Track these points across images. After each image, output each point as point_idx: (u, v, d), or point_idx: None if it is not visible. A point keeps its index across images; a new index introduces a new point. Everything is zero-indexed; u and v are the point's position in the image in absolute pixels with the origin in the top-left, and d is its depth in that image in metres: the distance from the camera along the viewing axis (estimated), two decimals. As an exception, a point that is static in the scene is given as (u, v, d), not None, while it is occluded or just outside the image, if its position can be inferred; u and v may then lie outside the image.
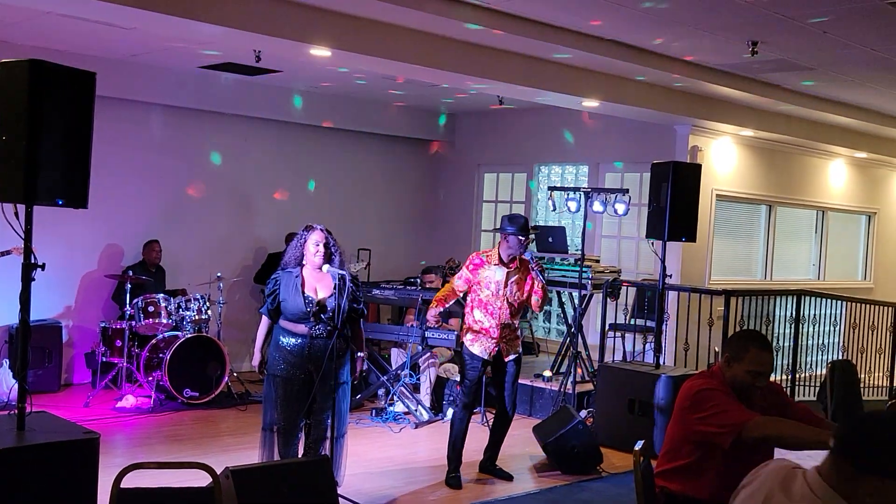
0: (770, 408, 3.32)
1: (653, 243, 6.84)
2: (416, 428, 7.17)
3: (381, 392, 7.78)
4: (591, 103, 7.71)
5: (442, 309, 5.78)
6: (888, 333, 8.94)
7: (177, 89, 8.58)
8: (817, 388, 7.45)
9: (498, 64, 6.75)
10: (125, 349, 7.50)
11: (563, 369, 7.78)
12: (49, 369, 7.74)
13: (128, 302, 7.56)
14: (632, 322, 8.12)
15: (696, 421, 3.23)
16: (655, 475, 3.37)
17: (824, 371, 6.58)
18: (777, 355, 8.33)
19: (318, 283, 4.92)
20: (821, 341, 8.94)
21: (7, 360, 7.35)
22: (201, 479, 3.33)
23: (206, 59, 7.78)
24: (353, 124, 10.06)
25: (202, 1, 5.17)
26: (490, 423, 6.19)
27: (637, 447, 3.17)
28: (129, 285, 7.64)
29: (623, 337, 8.15)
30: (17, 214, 3.76)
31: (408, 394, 7.54)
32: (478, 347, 5.67)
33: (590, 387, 7.58)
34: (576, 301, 7.84)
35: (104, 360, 7.65)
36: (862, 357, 8.75)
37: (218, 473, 3.23)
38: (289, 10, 5.59)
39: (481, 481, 5.81)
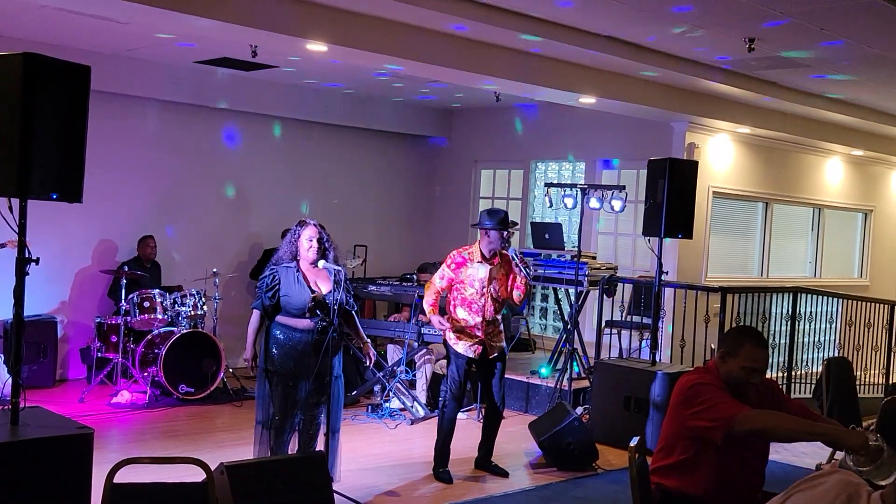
0: (765, 404, 3.31)
1: (649, 240, 6.84)
2: (411, 424, 7.17)
3: (377, 388, 7.77)
4: (587, 100, 7.70)
5: (437, 314, 5.69)
6: (884, 331, 8.95)
7: (172, 84, 8.55)
8: (813, 386, 7.45)
9: (494, 60, 6.74)
10: (120, 345, 7.48)
11: (559, 366, 7.78)
12: (44, 365, 7.73)
13: (123, 297, 7.54)
14: (628, 319, 8.12)
15: (689, 416, 3.23)
16: (651, 471, 3.36)
17: (820, 368, 6.59)
18: (773, 352, 8.33)
19: (316, 278, 4.92)
20: (817, 339, 8.95)
21: (2, 356, 7.32)
22: (195, 475, 3.31)
23: (195, 53, 7.74)
24: (349, 120, 10.04)
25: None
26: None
27: (632, 443, 3.16)
28: (125, 281, 7.62)
29: (619, 334, 8.15)
30: (10, 209, 3.74)
31: (404, 390, 7.54)
32: (462, 346, 5.63)
33: (586, 383, 7.58)
34: (572, 298, 7.84)
35: (99, 355, 7.64)
36: (858, 354, 8.76)
37: (212, 469, 3.21)
38: (285, 4, 5.57)
39: (476, 477, 5.80)
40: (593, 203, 7.56)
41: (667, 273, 7.18)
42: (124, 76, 8.14)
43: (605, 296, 7.70)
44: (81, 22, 6.54)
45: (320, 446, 4.95)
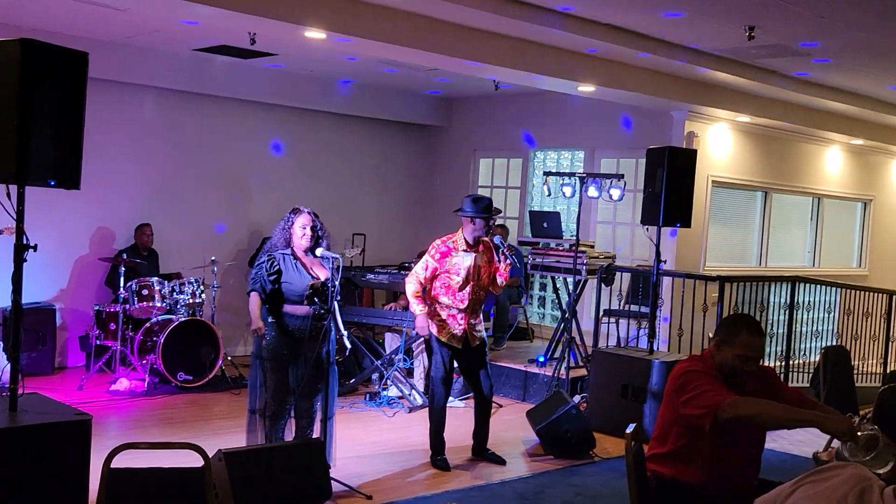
0: (761, 392, 3.31)
1: (647, 229, 6.84)
2: (409, 412, 7.19)
3: (374, 376, 7.79)
4: (586, 88, 7.69)
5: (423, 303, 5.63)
6: (882, 320, 8.96)
7: (171, 72, 8.53)
8: (811, 375, 7.47)
9: (493, 47, 6.72)
10: (119, 332, 7.49)
11: (556, 355, 7.80)
12: (43, 352, 7.74)
13: (122, 285, 7.55)
14: (626, 308, 8.12)
15: (681, 404, 3.23)
16: (647, 459, 3.37)
17: (818, 358, 6.60)
18: (771, 342, 8.35)
19: (311, 265, 4.93)
20: (815, 328, 8.96)
21: (1, 343, 7.33)
22: (193, 461, 3.32)
23: (197, 41, 7.72)
24: (348, 108, 10.02)
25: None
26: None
27: (628, 431, 3.17)
28: (123, 268, 7.62)
29: (617, 323, 8.16)
30: (8, 195, 3.74)
31: (401, 378, 7.55)
32: (445, 335, 5.62)
33: (583, 372, 7.59)
34: (570, 287, 7.84)
35: (98, 343, 7.65)
36: (856, 344, 8.78)
37: (209, 455, 3.22)
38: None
39: (473, 465, 5.82)
40: (592, 192, 7.55)
41: (665, 262, 7.19)
42: (123, 63, 8.13)
43: (602, 285, 7.70)
44: (80, 9, 6.51)
45: (316, 433, 4.97)
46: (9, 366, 3.91)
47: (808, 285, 8.52)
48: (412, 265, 8.82)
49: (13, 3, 6.57)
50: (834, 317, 9.43)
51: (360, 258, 9.61)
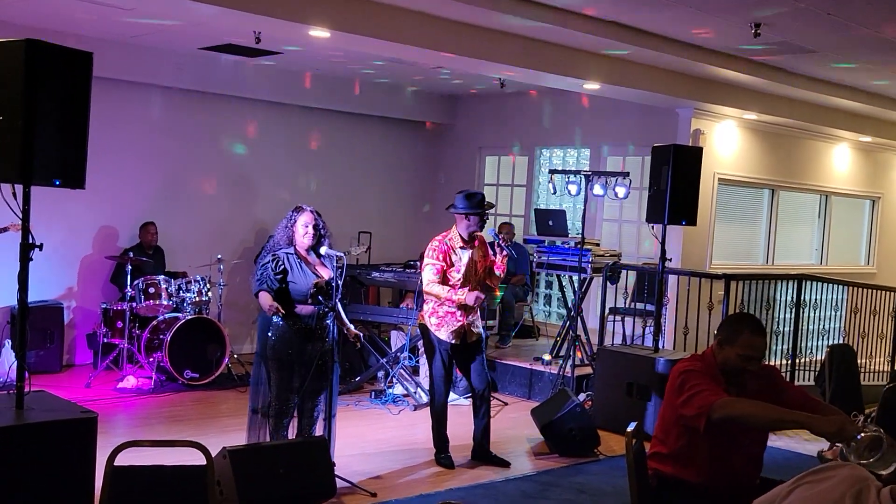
0: (764, 391, 3.31)
1: (653, 227, 6.83)
2: (414, 410, 7.20)
3: (380, 374, 7.80)
4: (592, 86, 7.68)
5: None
6: (890, 318, 8.93)
7: (176, 71, 8.54)
8: (816, 373, 7.45)
9: (500, 45, 6.72)
10: (126, 330, 7.53)
11: (562, 352, 7.80)
12: (51, 350, 7.78)
13: (128, 283, 7.58)
14: (632, 306, 8.11)
15: (679, 405, 3.22)
16: (648, 457, 3.38)
17: (824, 356, 6.57)
18: (777, 340, 8.33)
19: (314, 263, 4.93)
20: (822, 326, 8.92)
21: (10, 341, 7.38)
22: (197, 459, 3.34)
23: (202, 39, 7.73)
24: (354, 107, 10.03)
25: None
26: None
27: (629, 429, 3.17)
28: (129, 267, 7.65)
29: (623, 321, 8.15)
30: (14, 195, 3.76)
31: (407, 376, 7.56)
32: (444, 332, 5.63)
33: (589, 370, 7.59)
34: (576, 284, 7.84)
35: (105, 341, 7.69)
36: (863, 342, 8.75)
37: (211, 452, 3.24)
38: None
39: (478, 463, 5.81)
40: (597, 190, 7.54)
41: (671, 260, 7.18)
42: (128, 62, 8.14)
43: (608, 283, 7.69)
44: (85, 8, 6.53)
45: (319, 431, 4.98)
46: (16, 363, 3.94)
47: (814, 283, 8.49)
48: (417, 263, 8.86)
49: (19, 3, 6.59)
50: (841, 315, 9.39)
51: (366, 256, 9.62)
